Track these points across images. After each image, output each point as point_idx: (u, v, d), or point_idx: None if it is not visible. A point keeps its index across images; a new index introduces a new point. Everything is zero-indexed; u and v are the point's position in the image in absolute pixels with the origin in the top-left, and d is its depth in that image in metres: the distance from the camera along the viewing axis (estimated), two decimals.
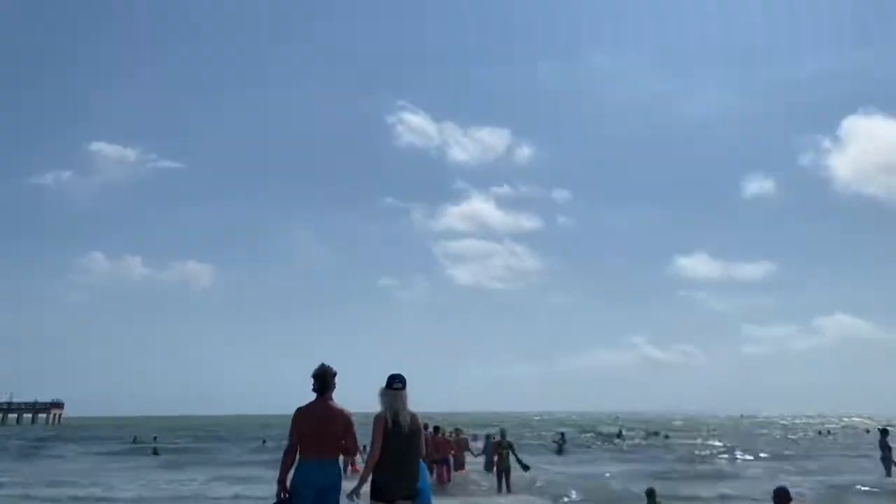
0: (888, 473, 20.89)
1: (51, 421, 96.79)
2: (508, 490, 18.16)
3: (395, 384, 6.61)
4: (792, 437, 51.48)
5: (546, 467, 25.35)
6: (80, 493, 16.18)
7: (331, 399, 6.62)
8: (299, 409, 6.62)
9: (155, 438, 45.61)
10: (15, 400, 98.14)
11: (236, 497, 15.94)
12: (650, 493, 11.62)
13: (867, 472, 22.33)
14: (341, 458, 6.70)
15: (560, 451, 35.94)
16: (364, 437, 6.56)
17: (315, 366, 6.77)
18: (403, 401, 6.63)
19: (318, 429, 6.45)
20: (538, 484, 19.66)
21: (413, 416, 6.71)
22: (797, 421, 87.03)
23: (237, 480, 19.69)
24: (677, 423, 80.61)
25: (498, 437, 19.54)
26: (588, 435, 52.87)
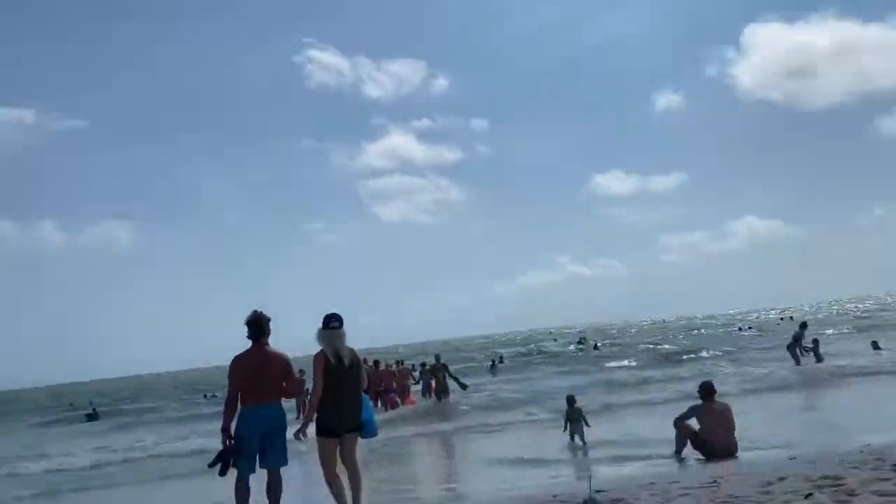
0: (796, 362, 22.50)
1: None
2: (447, 397, 19.42)
3: (332, 323, 6.66)
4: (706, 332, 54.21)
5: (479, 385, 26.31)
6: (34, 466, 15.79)
7: (267, 344, 6.61)
8: (236, 357, 6.60)
9: (91, 404, 44.28)
10: None
11: (196, 452, 15.86)
12: (570, 401, 12.15)
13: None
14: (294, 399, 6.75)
15: (493, 369, 37.90)
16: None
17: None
18: (342, 338, 6.69)
19: (256, 374, 6.46)
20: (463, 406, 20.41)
21: (352, 352, 6.80)
22: (718, 320, 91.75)
23: (190, 435, 19.50)
24: (612, 331, 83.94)
25: (432, 362, 20.70)
26: (528, 349, 54.83)
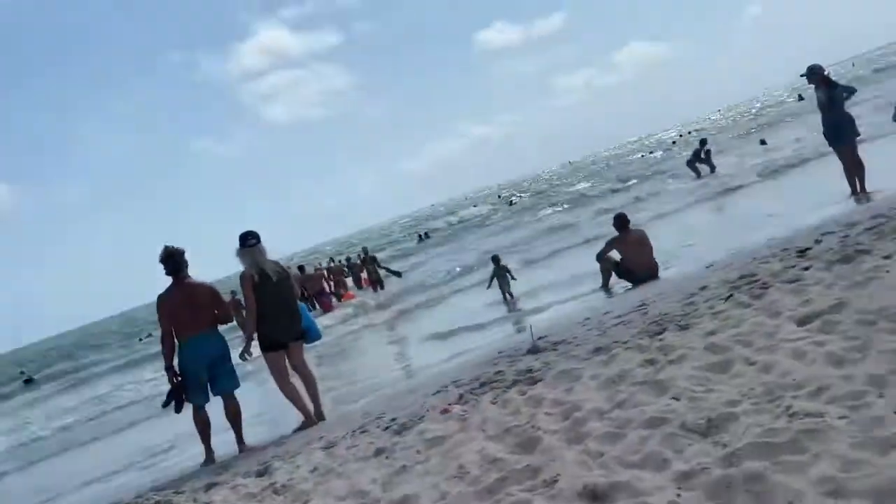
0: (698, 176, 23.65)
1: None
2: (382, 288, 20.59)
3: (250, 241, 6.56)
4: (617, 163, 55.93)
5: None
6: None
7: (188, 277, 6.48)
8: (160, 297, 6.46)
9: (22, 371, 42.44)
10: None
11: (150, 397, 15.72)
12: (495, 259, 12.59)
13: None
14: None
15: (420, 242, 39.21)
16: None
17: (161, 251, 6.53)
18: (263, 253, 6.62)
19: (185, 308, 6.36)
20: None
21: (276, 264, 6.75)
22: (622, 149, 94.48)
23: (144, 383, 18.95)
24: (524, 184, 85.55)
25: (361, 255, 21.10)
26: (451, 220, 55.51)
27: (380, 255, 25.62)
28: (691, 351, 4.16)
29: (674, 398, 3.53)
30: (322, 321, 16.39)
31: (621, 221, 9.70)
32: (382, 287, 20.69)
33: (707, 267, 7.66)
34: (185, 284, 6.44)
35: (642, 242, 9.51)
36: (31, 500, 8.53)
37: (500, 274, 12.33)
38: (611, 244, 9.73)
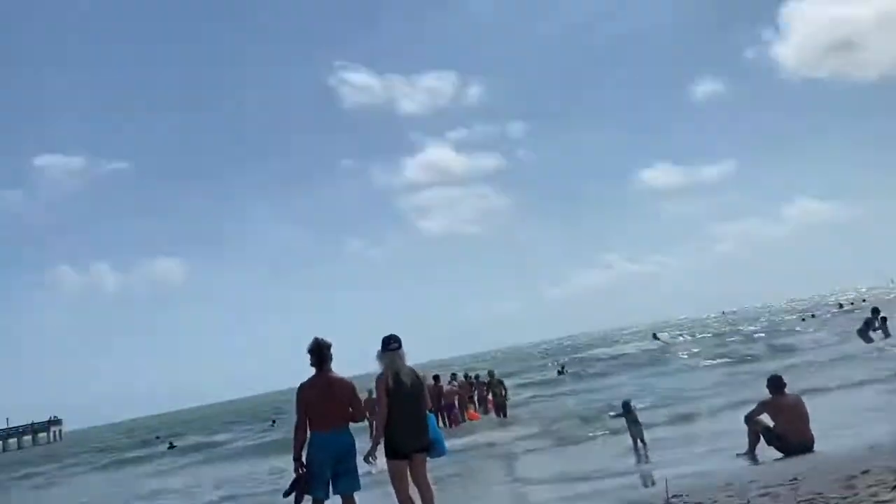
0: (865, 342, 22.13)
1: (52, 439, 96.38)
2: (505, 415, 20.12)
3: (392, 345, 6.73)
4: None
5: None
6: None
7: (330, 370, 6.70)
8: (302, 385, 6.70)
9: (169, 442, 43.77)
10: (12, 424, 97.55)
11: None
12: (626, 406, 12.02)
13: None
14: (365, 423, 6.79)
15: (562, 372, 37.93)
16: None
17: (307, 340, 6.84)
18: (402, 359, 6.76)
19: (323, 401, 6.54)
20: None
21: (413, 372, 6.85)
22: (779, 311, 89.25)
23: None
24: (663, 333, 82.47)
25: (489, 377, 21.15)
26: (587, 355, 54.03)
27: (516, 381, 25.30)
28: None
29: None
30: (447, 437, 16.23)
31: (776, 384, 9.06)
32: (505, 414, 20.30)
33: (869, 448, 6.95)
34: (327, 378, 6.66)
35: (799, 409, 8.79)
36: None
37: (632, 420, 11.80)
38: (763, 407, 9.07)
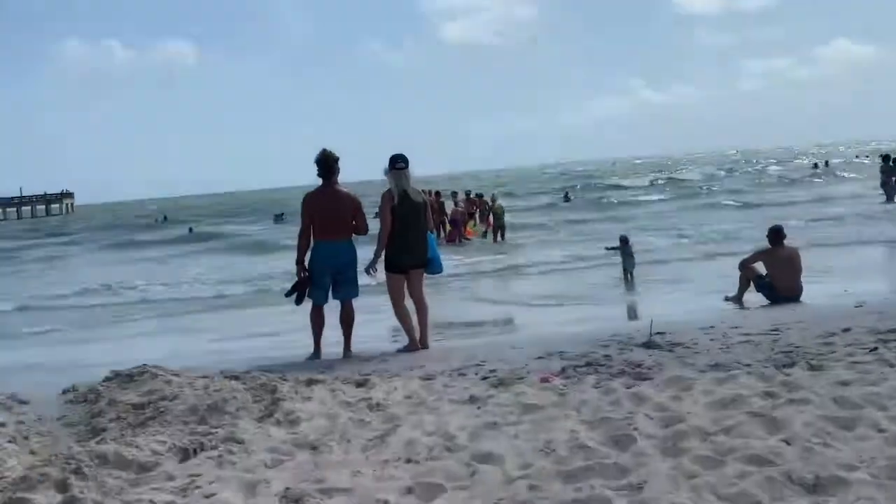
0: (889, 199, 21.49)
1: (64, 210, 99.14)
2: (503, 239, 20.58)
3: (398, 164, 6.72)
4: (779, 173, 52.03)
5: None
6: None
7: (337, 183, 6.73)
8: (308, 194, 6.78)
9: (165, 217, 46.19)
10: (25, 193, 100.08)
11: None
12: (623, 240, 12.22)
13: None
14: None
15: (567, 199, 38.04)
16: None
17: (317, 147, 6.82)
18: (408, 178, 6.79)
19: (328, 212, 6.64)
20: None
21: (418, 192, 6.91)
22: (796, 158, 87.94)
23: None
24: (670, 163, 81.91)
25: (492, 199, 21.29)
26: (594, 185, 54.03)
27: (520, 204, 25.44)
28: (817, 397, 3.93)
29: (785, 441, 3.37)
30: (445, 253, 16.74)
31: (776, 235, 9.14)
32: (504, 237, 20.72)
33: (856, 306, 7.14)
34: (333, 190, 6.71)
35: (793, 261, 8.95)
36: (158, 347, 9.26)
37: (627, 253, 12.04)
38: (758, 255, 9.22)
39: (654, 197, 38.13)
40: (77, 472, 3.54)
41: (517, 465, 3.39)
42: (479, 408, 4.38)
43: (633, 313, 9.57)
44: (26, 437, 4.75)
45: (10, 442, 4.56)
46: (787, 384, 4.22)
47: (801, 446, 3.28)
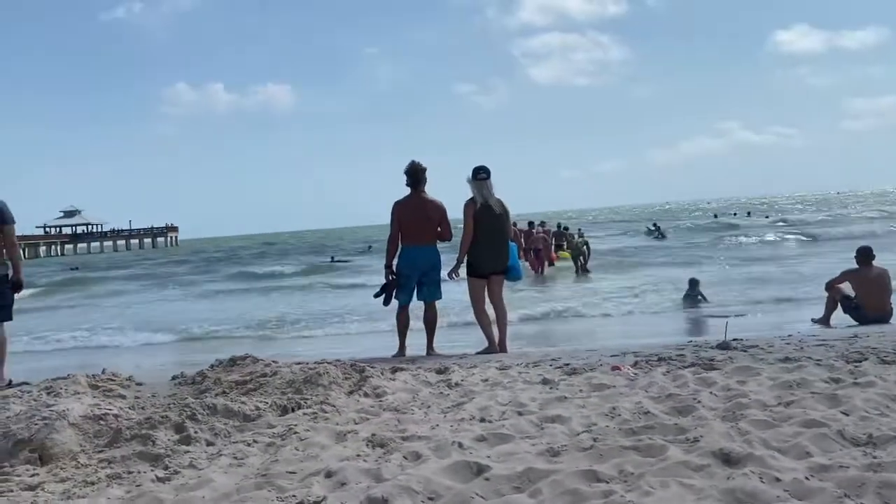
0: None
1: (169, 243, 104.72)
2: (586, 271, 20.58)
3: (480, 174, 7.12)
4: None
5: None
6: None
7: (424, 192, 7.20)
8: (397, 202, 7.26)
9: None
10: (134, 226, 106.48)
11: None
12: (693, 283, 12.18)
13: None
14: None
15: (659, 236, 37.10)
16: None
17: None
18: (489, 188, 7.18)
19: (415, 218, 7.10)
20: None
21: (500, 202, 7.28)
22: None
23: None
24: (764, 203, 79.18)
25: (578, 234, 21.58)
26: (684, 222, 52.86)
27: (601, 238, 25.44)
28: (882, 381, 4.03)
29: (844, 412, 3.51)
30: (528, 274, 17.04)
31: (864, 254, 9.01)
32: (587, 270, 20.84)
33: None
34: (420, 198, 7.17)
35: (881, 280, 8.79)
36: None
37: (693, 296, 12.07)
38: (846, 275, 9.09)
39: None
40: (192, 417, 4.05)
41: (582, 423, 3.66)
42: (550, 388, 4.66)
43: (712, 328, 9.57)
44: (143, 408, 5.35)
45: (130, 409, 5.18)
46: (853, 372, 4.32)
47: (858, 416, 3.42)
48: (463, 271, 7.23)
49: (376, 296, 7.32)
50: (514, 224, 20.84)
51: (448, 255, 7.41)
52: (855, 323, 8.71)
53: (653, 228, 39.71)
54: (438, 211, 7.25)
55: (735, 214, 58.52)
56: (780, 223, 44.41)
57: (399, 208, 7.22)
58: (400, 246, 7.20)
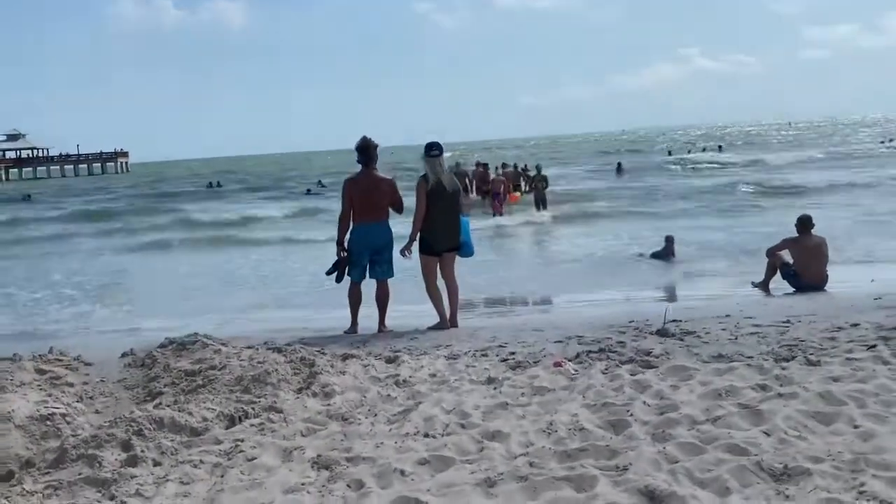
0: None
1: (119, 169, 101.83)
2: (545, 208, 21.24)
3: (433, 151, 7.12)
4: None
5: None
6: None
7: (375, 169, 7.16)
8: (348, 179, 7.23)
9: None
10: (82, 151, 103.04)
11: None
12: (669, 240, 12.38)
13: None
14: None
15: (619, 171, 38.03)
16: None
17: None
18: (442, 165, 7.20)
19: (366, 196, 7.09)
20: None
21: (452, 178, 7.31)
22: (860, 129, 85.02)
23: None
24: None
25: (536, 171, 21.97)
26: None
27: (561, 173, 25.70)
28: (805, 392, 4.25)
29: (765, 432, 3.71)
30: (487, 223, 17.32)
31: (804, 224, 9.30)
32: (545, 207, 21.18)
33: (875, 299, 7.32)
34: (372, 175, 7.14)
35: (819, 251, 9.12)
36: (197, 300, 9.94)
37: (665, 253, 12.27)
38: (785, 243, 9.40)
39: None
40: (138, 433, 4.09)
41: (520, 442, 3.81)
42: (494, 388, 4.81)
43: (656, 295, 9.84)
44: (91, 398, 5.37)
45: (78, 401, 5.19)
46: (780, 378, 4.53)
47: (777, 438, 3.63)
48: (415, 248, 7.29)
49: (328, 273, 7.35)
50: (466, 174, 21.69)
51: (401, 230, 7.44)
52: (791, 290, 9.07)
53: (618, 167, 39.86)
54: (389, 187, 7.24)
55: (689, 152, 58.76)
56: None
57: (350, 185, 7.18)
58: (352, 223, 7.20)
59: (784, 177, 30.62)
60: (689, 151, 56.94)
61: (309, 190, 38.31)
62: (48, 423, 4.47)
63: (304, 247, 17.04)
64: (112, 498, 3.47)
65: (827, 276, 9.08)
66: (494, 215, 20.10)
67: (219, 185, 46.65)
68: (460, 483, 3.35)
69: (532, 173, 23.13)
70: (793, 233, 9.43)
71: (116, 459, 3.87)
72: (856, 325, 5.98)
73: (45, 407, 4.70)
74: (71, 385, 5.64)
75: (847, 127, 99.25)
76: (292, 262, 14.95)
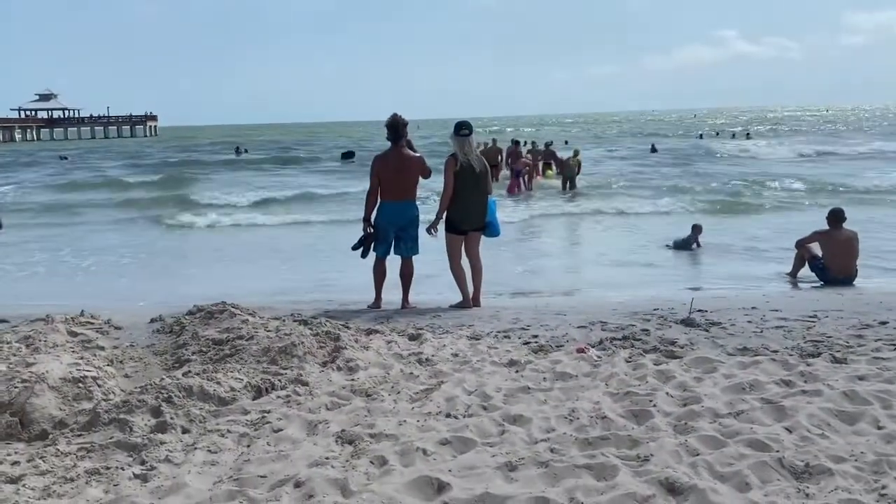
0: None
1: (148, 133, 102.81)
2: (573, 188, 21.25)
3: (463, 131, 7.10)
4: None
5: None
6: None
7: (404, 147, 7.16)
8: (377, 157, 7.24)
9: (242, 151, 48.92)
10: (112, 114, 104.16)
11: None
12: (695, 229, 12.18)
13: None
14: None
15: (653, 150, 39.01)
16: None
17: (387, 114, 7.22)
18: (471, 145, 7.19)
19: (394, 174, 7.10)
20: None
21: (481, 159, 7.30)
22: None
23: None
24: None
25: (570, 156, 21.80)
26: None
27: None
28: (830, 390, 4.23)
29: (787, 429, 3.71)
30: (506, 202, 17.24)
31: (835, 217, 9.16)
32: (574, 188, 21.03)
33: None
34: (400, 153, 7.14)
35: (849, 245, 9.00)
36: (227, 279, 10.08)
37: (688, 241, 12.08)
38: (816, 235, 9.28)
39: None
40: (168, 400, 4.19)
41: (541, 427, 3.85)
42: (517, 371, 4.85)
43: (683, 285, 9.79)
44: (121, 362, 5.48)
45: (108, 364, 5.31)
46: (804, 374, 4.52)
47: (800, 435, 3.63)
48: (442, 227, 7.30)
49: (354, 248, 7.39)
50: (500, 151, 21.73)
51: (427, 209, 7.46)
52: (819, 283, 8.98)
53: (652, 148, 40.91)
54: (418, 164, 7.23)
55: (717, 134, 58.38)
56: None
57: (379, 162, 7.20)
58: (379, 200, 7.22)
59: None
60: (716, 133, 56.87)
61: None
62: (80, 385, 4.59)
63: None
64: (143, 463, 3.56)
65: (856, 270, 8.97)
66: (516, 192, 20.05)
67: (245, 151, 48.85)
68: (481, 465, 3.40)
69: (568, 158, 22.37)
70: (823, 226, 9.31)
71: (147, 425, 3.97)
72: (884, 323, 5.92)
73: (78, 369, 4.82)
74: (102, 349, 5.77)
75: None
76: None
